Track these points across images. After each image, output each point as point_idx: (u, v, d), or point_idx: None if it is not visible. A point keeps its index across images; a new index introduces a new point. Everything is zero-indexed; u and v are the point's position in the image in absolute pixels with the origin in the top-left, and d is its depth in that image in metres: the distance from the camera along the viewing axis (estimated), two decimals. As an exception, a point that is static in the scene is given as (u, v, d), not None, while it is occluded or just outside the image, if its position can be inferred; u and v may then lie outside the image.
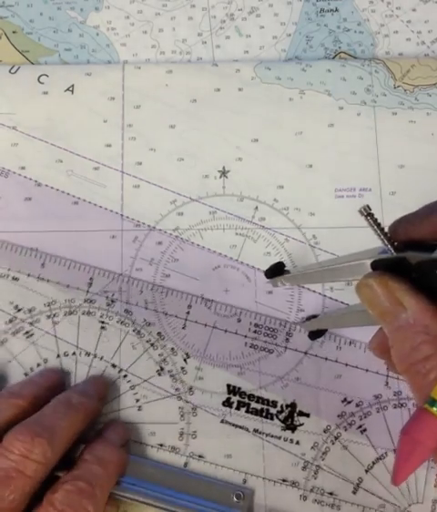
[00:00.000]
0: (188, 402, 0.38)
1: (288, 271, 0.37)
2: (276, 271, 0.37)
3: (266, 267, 0.39)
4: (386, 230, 0.27)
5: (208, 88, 0.43)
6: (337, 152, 0.42)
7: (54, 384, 0.37)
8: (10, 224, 0.41)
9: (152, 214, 0.41)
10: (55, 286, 0.40)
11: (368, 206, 0.26)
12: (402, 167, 0.42)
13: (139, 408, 0.38)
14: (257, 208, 0.41)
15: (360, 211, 0.26)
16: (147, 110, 0.43)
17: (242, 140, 0.42)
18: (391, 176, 0.42)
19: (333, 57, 0.45)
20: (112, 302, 0.40)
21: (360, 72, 0.44)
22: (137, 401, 0.38)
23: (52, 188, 0.41)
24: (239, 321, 0.39)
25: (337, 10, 0.46)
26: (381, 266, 0.27)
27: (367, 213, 0.26)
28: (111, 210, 0.41)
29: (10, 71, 0.43)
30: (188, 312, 0.39)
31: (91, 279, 0.40)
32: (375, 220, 0.26)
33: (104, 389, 0.38)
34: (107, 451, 0.34)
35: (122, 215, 0.41)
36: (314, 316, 0.39)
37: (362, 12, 0.46)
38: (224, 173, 0.42)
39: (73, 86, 0.43)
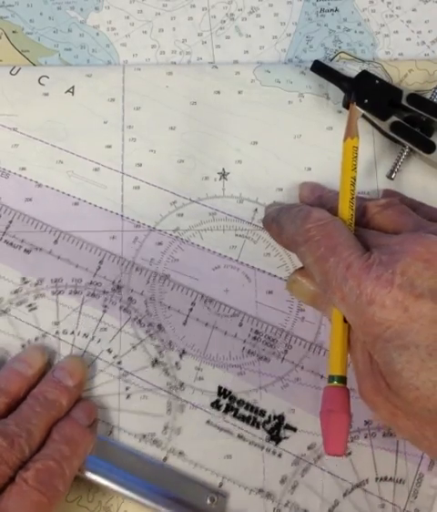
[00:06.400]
0: (177, 397, 0.40)
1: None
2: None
3: (266, 267, 0.42)
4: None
5: (208, 91, 0.45)
6: (336, 155, 0.43)
7: (40, 369, 0.39)
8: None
9: (152, 215, 0.43)
10: (64, 263, 0.42)
11: None
12: (400, 171, 0.44)
13: (128, 396, 0.40)
14: (256, 210, 0.43)
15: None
16: (148, 112, 0.45)
17: (242, 143, 0.44)
18: (388, 180, 0.44)
19: (333, 58, 0.47)
20: (118, 287, 0.42)
21: (358, 75, 0.46)
22: (127, 388, 0.40)
23: (52, 188, 0.43)
24: (241, 325, 0.41)
25: (337, 10, 0.48)
26: None
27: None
28: (111, 211, 0.43)
29: (10, 72, 0.45)
30: (190, 309, 0.41)
31: (101, 262, 0.42)
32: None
33: (81, 374, 0.39)
34: (75, 431, 0.37)
35: (122, 216, 0.43)
36: None
37: (362, 12, 0.48)
38: (224, 175, 0.44)
39: (73, 87, 0.45)
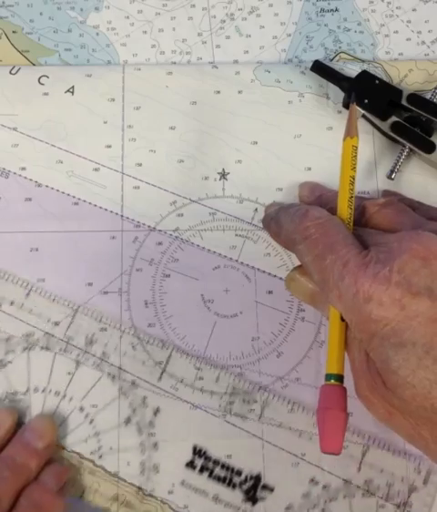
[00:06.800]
0: (151, 457, 0.39)
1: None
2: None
3: (266, 267, 0.42)
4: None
5: (208, 90, 0.45)
6: (335, 156, 0.43)
7: (8, 429, 0.38)
8: (10, 225, 0.43)
9: (152, 215, 0.43)
10: (36, 318, 0.41)
11: None
12: (400, 171, 0.44)
13: (100, 456, 0.39)
14: (256, 210, 0.44)
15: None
16: (148, 112, 0.45)
17: (242, 143, 0.45)
18: (388, 180, 0.44)
19: (333, 58, 0.47)
20: (91, 342, 0.41)
21: (358, 75, 0.46)
22: (100, 448, 0.39)
23: (52, 188, 0.44)
24: (217, 380, 0.41)
25: (337, 10, 0.48)
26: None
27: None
28: (111, 211, 0.43)
29: (10, 72, 0.45)
30: (166, 364, 0.41)
31: (73, 316, 0.41)
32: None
33: (52, 435, 0.39)
34: (44, 497, 0.36)
35: (122, 216, 0.43)
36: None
37: (362, 12, 0.48)
38: (224, 175, 0.44)
39: (73, 87, 0.45)
